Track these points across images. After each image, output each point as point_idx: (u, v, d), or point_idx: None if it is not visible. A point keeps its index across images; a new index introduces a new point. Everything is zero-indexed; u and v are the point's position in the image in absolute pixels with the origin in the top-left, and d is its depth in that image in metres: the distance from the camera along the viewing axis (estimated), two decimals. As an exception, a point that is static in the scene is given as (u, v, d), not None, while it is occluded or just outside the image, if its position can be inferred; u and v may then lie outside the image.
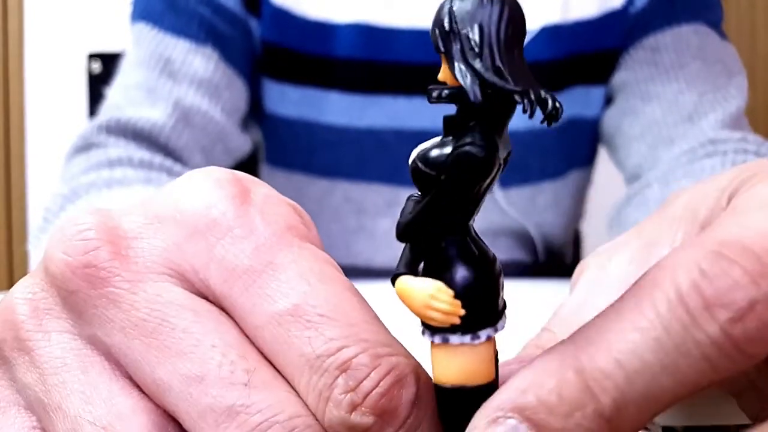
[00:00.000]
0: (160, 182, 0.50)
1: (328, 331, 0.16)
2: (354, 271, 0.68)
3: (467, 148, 0.16)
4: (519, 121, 0.67)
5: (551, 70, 0.64)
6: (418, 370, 0.16)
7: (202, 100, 0.58)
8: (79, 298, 0.17)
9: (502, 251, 0.65)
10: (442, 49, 0.16)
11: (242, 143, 0.63)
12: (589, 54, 0.64)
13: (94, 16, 1.61)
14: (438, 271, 0.16)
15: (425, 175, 0.16)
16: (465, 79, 0.16)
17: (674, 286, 0.14)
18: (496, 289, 0.17)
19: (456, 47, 0.16)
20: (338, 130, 0.64)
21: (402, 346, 0.17)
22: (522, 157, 0.65)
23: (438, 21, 0.17)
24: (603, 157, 0.72)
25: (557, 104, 0.16)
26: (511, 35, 0.17)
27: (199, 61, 0.58)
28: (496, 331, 0.16)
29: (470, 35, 0.17)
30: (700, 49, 0.61)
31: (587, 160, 0.71)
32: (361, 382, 0.15)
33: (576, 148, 0.69)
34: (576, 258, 1.01)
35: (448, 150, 0.16)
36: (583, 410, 0.14)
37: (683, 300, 0.14)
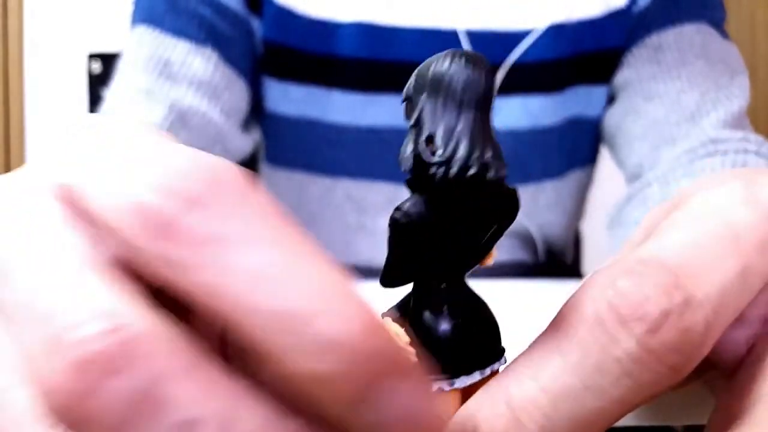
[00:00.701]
0: None
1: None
2: (354, 271, 0.68)
3: (393, 213, 0.17)
4: (521, 119, 0.67)
5: (554, 70, 0.64)
6: (242, 177, 0.15)
7: (201, 101, 0.57)
8: None
9: (503, 251, 0.65)
10: (406, 116, 0.17)
11: (242, 144, 0.62)
12: (592, 53, 0.64)
13: (94, 16, 1.61)
14: (409, 314, 0.17)
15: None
16: (404, 148, 0.17)
17: (592, 307, 0.15)
18: (454, 343, 0.17)
19: (409, 115, 0.17)
20: (340, 128, 0.64)
21: None
22: (523, 156, 0.65)
23: (406, 86, 0.17)
24: (603, 156, 0.72)
25: (488, 172, 0.16)
26: (467, 99, 0.17)
27: (198, 62, 0.58)
28: (452, 384, 0.16)
29: (418, 104, 0.17)
30: (703, 49, 0.61)
31: (589, 160, 0.71)
32: (166, 181, 0.14)
33: (578, 148, 0.69)
34: (576, 258, 1.01)
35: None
36: None
37: (600, 319, 0.14)
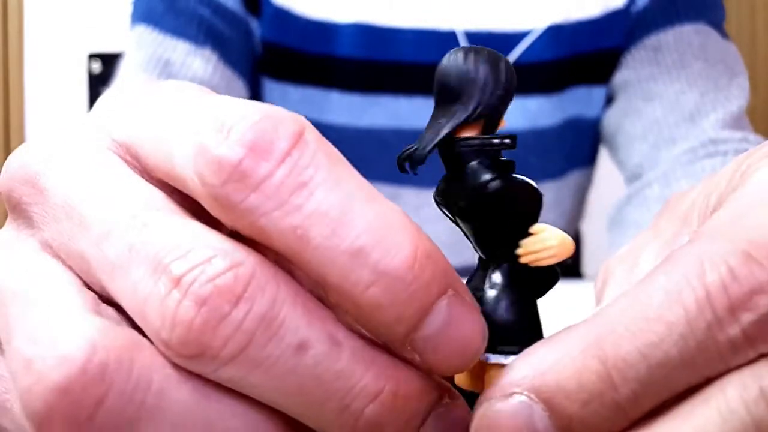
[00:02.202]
0: None
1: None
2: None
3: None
4: (520, 120, 0.67)
5: (553, 70, 0.64)
6: (304, 120, 0.16)
7: None
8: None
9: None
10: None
11: None
12: (591, 54, 0.64)
13: (94, 16, 1.61)
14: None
15: None
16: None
17: (703, 285, 0.14)
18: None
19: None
20: (339, 129, 0.64)
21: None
22: (523, 157, 0.65)
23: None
24: (603, 156, 0.72)
25: (420, 150, 0.18)
26: (435, 91, 0.19)
27: (198, 62, 0.58)
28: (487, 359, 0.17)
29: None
30: (702, 49, 0.61)
31: (588, 160, 0.71)
32: (229, 123, 0.15)
33: (577, 148, 0.69)
34: (576, 258, 1.01)
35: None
36: (601, 399, 0.14)
37: (711, 299, 0.14)
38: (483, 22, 0.63)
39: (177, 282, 0.14)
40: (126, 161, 0.17)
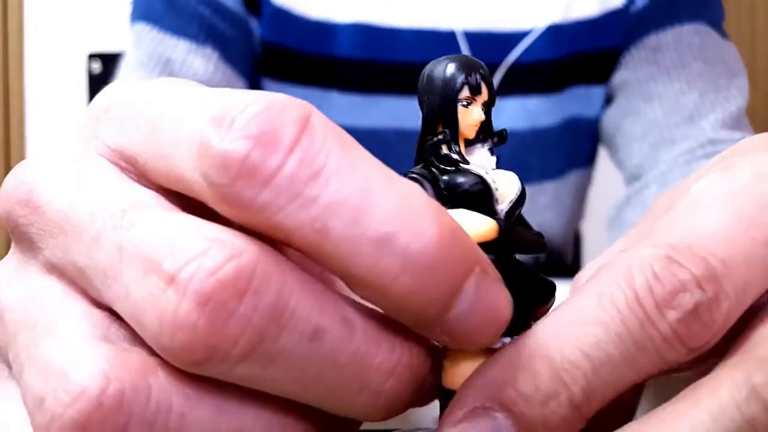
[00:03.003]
0: None
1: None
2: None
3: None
4: (520, 120, 0.67)
5: (552, 70, 0.64)
6: (308, 104, 0.15)
7: None
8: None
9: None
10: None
11: None
12: (590, 53, 0.64)
13: (94, 16, 1.61)
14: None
15: None
16: None
17: (631, 287, 0.16)
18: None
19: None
20: None
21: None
22: (522, 156, 0.65)
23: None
24: (603, 156, 0.72)
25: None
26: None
27: (199, 61, 0.58)
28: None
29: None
30: (701, 49, 0.61)
31: (588, 160, 0.71)
32: (230, 115, 0.14)
33: (576, 148, 0.69)
34: (576, 258, 1.01)
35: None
36: (557, 398, 0.15)
37: (639, 300, 0.15)
38: (483, 22, 0.63)
39: (172, 280, 0.14)
40: (121, 167, 0.17)
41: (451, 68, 0.20)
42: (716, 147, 0.55)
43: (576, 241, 0.95)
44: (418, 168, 0.20)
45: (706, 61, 0.60)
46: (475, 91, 0.20)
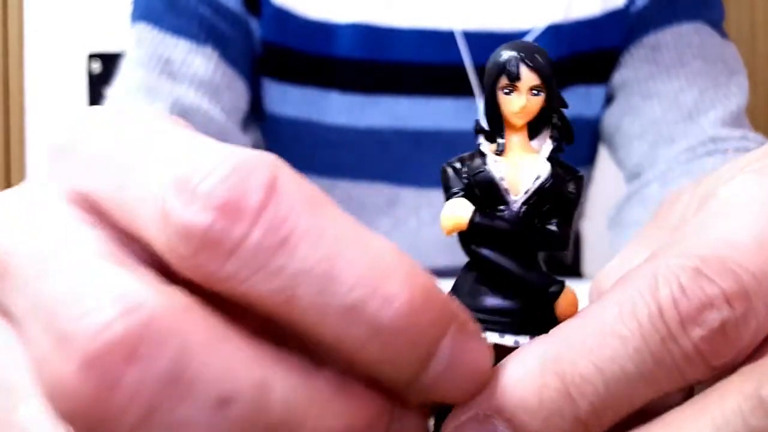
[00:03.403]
0: None
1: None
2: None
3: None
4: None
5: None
6: (277, 163, 0.14)
7: (202, 100, 0.57)
8: None
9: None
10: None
11: (243, 143, 0.62)
12: (590, 53, 0.64)
13: (94, 16, 1.61)
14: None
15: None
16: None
17: (655, 300, 0.15)
18: None
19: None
20: (339, 129, 0.64)
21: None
22: None
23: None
24: (603, 156, 0.72)
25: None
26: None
27: (199, 61, 0.58)
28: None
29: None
30: (701, 48, 0.60)
31: (587, 160, 0.71)
32: (194, 180, 0.13)
33: (576, 148, 0.68)
34: (576, 258, 1.01)
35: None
36: (561, 414, 0.15)
37: (663, 314, 0.15)
38: (482, 22, 0.63)
39: (62, 338, 0.12)
40: (81, 208, 0.16)
41: (493, 57, 0.20)
42: (717, 145, 0.54)
43: (576, 241, 0.95)
44: (459, 156, 0.20)
45: (705, 59, 0.60)
46: (514, 77, 0.19)
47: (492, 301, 0.18)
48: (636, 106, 0.61)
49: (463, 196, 0.19)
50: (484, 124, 0.20)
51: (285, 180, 0.14)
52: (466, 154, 0.20)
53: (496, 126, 0.20)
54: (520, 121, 0.20)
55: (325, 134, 0.64)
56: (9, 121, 1.68)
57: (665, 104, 0.59)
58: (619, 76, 0.64)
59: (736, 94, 0.59)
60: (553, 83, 0.20)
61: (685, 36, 0.61)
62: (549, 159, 0.20)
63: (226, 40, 0.60)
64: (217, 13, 0.60)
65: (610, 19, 0.63)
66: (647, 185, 0.56)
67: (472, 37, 0.62)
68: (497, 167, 0.19)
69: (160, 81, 0.57)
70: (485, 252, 0.18)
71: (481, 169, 0.19)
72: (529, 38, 0.62)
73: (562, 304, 0.18)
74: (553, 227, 0.19)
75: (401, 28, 0.62)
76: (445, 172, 0.20)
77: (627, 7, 0.63)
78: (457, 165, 0.20)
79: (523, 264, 0.18)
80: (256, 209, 0.13)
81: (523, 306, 0.18)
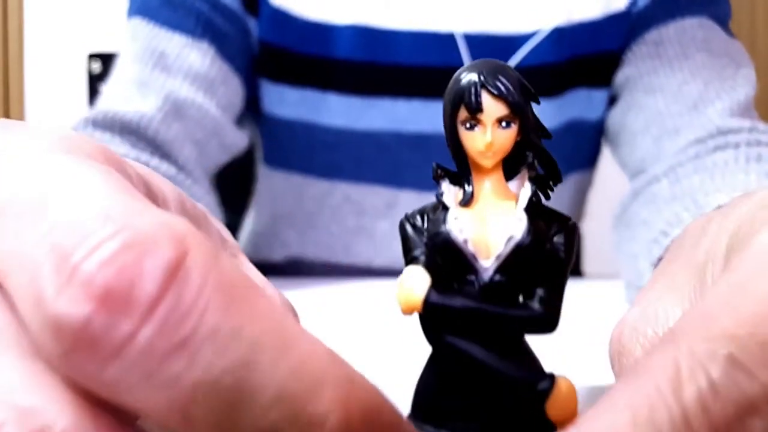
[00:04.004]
0: None
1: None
2: (354, 271, 0.68)
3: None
4: None
5: (555, 74, 0.63)
6: (188, 239, 0.11)
7: (197, 93, 0.57)
8: None
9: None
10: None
11: (238, 139, 0.62)
12: (592, 56, 0.64)
13: (94, 16, 1.61)
14: None
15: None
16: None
17: (679, 402, 0.11)
18: None
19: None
20: (337, 131, 0.63)
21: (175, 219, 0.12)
22: None
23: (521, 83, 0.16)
24: (603, 156, 0.71)
25: None
26: None
27: (194, 55, 0.58)
28: None
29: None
30: (705, 42, 0.58)
31: (588, 163, 0.70)
32: (74, 258, 0.11)
33: (577, 151, 0.68)
34: (576, 257, 1.01)
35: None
36: None
37: (689, 422, 0.11)
38: (483, 26, 0.62)
39: None
40: None
41: (452, 83, 0.16)
42: (728, 138, 0.50)
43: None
44: (421, 209, 0.16)
45: (710, 52, 0.58)
46: (474, 109, 0.16)
47: (464, 405, 0.15)
48: (639, 102, 0.59)
49: (426, 260, 0.15)
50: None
51: (194, 261, 0.11)
52: (428, 206, 0.16)
53: (463, 168, 0.16)
54: (488, 161, 0.16)
55: (322, 136, 0.64)
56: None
57: (669, 97, 0.57)
58: (622, 75, 0.63)
59: (743, 85, 0.56)
60: (526, 110, 0.16)
61: (688, 30, 0.59)
62: (528, 209, 0.15)
63: (223, 36, 0.60)
64: (214, 10, 0.60)
65: (612, 21, 0.63)
66: (655, 182, 0.52)
67: (472, 40, 0.62)
68: (459, 226, 0.15)
69: (154, 74, 0.56)
70: (450, 340, 0.15)
71: (440, 231, 0.15)
72: (531, 42, 0.62)
73: (554, 404, 0.15)
74: (536, 305, 0.15)
75: (400, 30, 0.62)
76: (403, 228, 0.16)
77: (628, 9, 0.63)
78: (418, 220, 0.16)
79: (501, 352, 0.15)
80: (150, 300, 0.11)
81: (505, 409, 0.15)
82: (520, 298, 0.15)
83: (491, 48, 0.62)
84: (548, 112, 0.63)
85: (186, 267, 0.11)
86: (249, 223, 0.78)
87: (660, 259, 0.35)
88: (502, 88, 0.15)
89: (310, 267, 0.69)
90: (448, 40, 0.62)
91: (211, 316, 0.11)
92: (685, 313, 0.14)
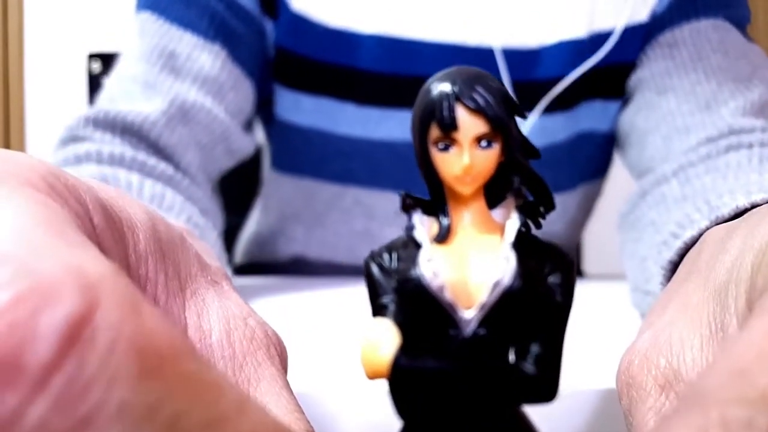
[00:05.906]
0: (116, 181, 0.45)
1: None
2: (357, 272, 0.67)
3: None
4: (537, 136, 0.63)
5: (572, 85, 0.61)
6: (101, 287, 0.09)
7: (206, 98, 0.55)
8: None
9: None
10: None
11: (245, 145, 0.60)
12: (610, 67, 0.62)
13: (94, 16, 1.60)
14: None
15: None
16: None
17: None
18: None
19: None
20: (352, 140, 0.62)
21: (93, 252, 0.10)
22: (535, 169, 0.63)
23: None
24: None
25: None
26: None
27: (205, 57, 0.55)
28: None
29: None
30: (721, 43, 0.57)
31: (599, 173, 0.69)
32: None
33: (588, 162, 0.67)
34: (577, 257, 1.01)
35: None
36: None
37: None
38: (507, 39, 0.61)
39: None
40: None
41: (421, 96, 0.13)
42: (741, 137, 0.48)
43: (576, 246, 0.95)
44: (389, 244, 0.13)
45: (726, 54, 0.56)
46: (449, 126, 0.13)
47: None
48: (651, 102, 0.58)
49: (396, 311, 0.12)
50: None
51: (105, 317, 0.09)
52: (398, 241, 0.13)
53: (437, 197, 0.13)
54: (467, 188, 0.13)
55: (337, 144, 0.63)
56: (9, 121, 1.67)
57: (681, 97, 0.55)
58: (635, 77, 0.61)
59: (759, 86, 0.54)
60: (510, 126, 0.13)
61: (703, 31, 0.58)
62: (516, 244, 0.12)
63: (236, 39, 0.57)
64: (229, 9, 0.57)
65: (632, 33, 0.61)
66: (664, 181, 0.50)
67: (497, 53, 0.60)
68: (434, 269, 0.12)
69: (161, 76, 0.54)
70: (426, 412, 0.12)
71: (409, 276, 0.12)
72: (550, 54, 0.60)
73: None
74: (530, 366, 0.12)
75: (425, 41, 0.60)
76: (368, 269, 0.13)
77: (649, 20, 0.61)
78: (385, 259, 0.13)
79: (490, 427, 0.12)
80: (41, 368, 0.08)
81: None
82: (511, 356, 0.12)
83: (514, 60, 0.60)
84: (562, 125, 0.62)
85: (93, 325, 0.09)
86: (252, 224, 0.77)
87: (670, 263, 0.34)
88: (480, 100, 0.13)
89: (313, 266, 0.69)
90: (473, 52, 0.60)
91: (121, 389, 0.09)
92: (711, 364, 0.12)
